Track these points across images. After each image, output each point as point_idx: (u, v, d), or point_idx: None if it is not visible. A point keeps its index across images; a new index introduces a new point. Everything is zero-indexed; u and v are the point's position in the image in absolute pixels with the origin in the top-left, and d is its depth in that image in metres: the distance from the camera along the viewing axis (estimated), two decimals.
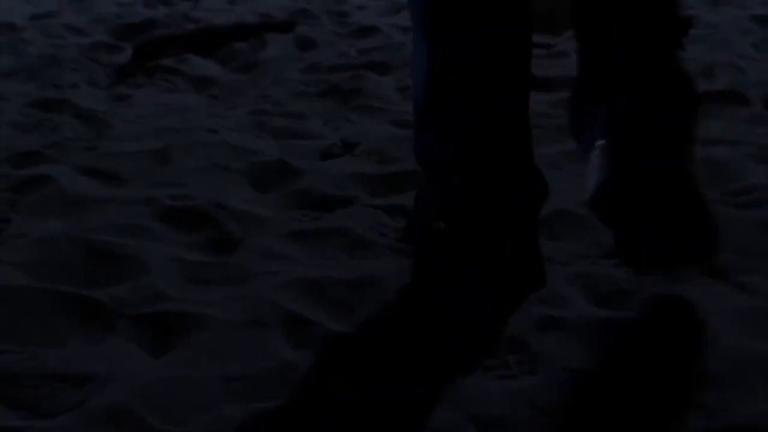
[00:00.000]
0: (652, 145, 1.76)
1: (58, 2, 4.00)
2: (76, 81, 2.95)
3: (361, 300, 1.67)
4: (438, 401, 1.38)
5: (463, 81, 1.83)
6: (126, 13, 3.74)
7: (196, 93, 2.85)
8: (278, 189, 2.15)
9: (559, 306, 1.66)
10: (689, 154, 1.80)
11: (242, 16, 3.66)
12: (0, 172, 2.25)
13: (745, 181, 2.15)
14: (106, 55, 3.18)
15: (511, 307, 1.67)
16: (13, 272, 1.76)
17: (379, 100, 2.73)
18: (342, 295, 1.69)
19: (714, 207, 1.75)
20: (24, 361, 1.47)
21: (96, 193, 2.12)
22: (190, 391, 1.39)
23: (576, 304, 1.68)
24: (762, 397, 1.38)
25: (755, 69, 2.99)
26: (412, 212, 1.94)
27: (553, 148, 2.35)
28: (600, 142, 1.75)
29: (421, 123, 1.90)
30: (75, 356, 1.49)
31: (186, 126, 2.52)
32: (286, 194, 2.12)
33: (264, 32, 3.32)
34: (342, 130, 2.52)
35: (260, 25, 3.39)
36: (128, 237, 1.92)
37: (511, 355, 1.53)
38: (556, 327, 1.59)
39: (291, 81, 2.88)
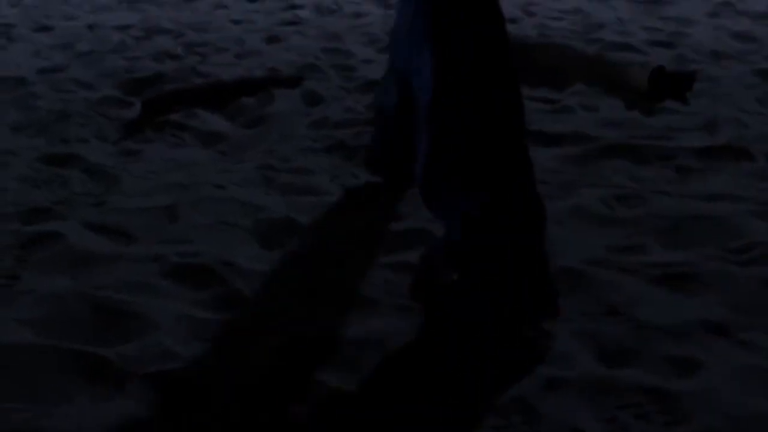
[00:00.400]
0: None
1: (67, 56, 4.04)
2: (84, 136, 2.97)
3: (367, 358, 1.68)
4: None
5: (464, 81, 1.87)
6: (134, 67, 3.77)
7: (204, 148, 2.88)
8: (285, 246, 2.16)
9: (564, 365, 1.68)
10: None
11: (250, 70, 3.69)
12: (9, 228, 2.27)
13: (747, 237, 2.16)
14: (114, 109, 3.21)
15: (518, 365, 1.69)
16: (22, 329, 1.78)
17: None
18: (349, 352, 1.71)
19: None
20: (32, 420, 1.48)
21: (104, 250, 2.14)
22: None
23: (581, 363, 1.69)
24: None
25: (759, 123, 3.00)
26: (420, 268, 1.96)
27: (558, 204, 2.37)
28: None
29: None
30: (83, 417, 1.50)
31: (194, 182, 2.54)
32: (292, 251, 2.13)
33: (271, 87, 3.35)
34: (348, 186, 2.54)
35: (268, 79, 3.41)
36: (136, 294, 1.94)
37: (517, 415, 1.54)
38: (561, 386, 1.60)
39: (298, 136, 2.90)
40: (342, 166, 2.65)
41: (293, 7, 4.97)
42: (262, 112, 3.12)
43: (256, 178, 2.58)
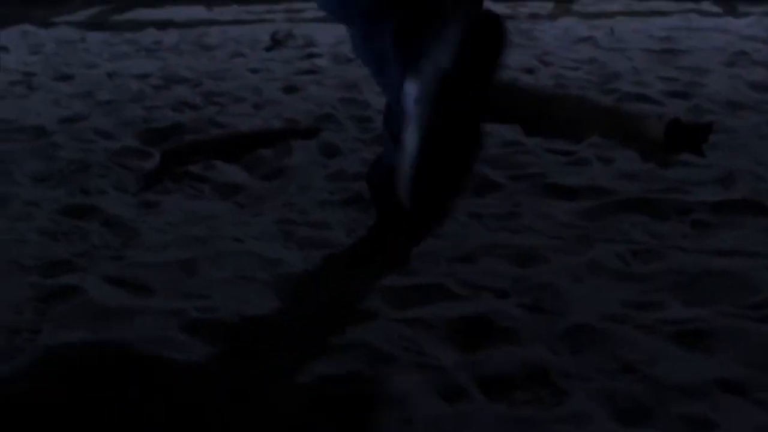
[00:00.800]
0: None
1: (87, 105, 4.08)
2: (104, 187, 3.00)
3: (383, 417, 1.69)
4: None
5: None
6: (153, 116, 3.81)
7: (222, 200, 2.90)
8: (302, 301, 2.18)
9: (580, 424, 1.68)
10: None
11: (267, 121, 3.72)
12: (30, 281, 2.30)
13: (764, 293, 2.17)
14: (133, 160, 3.24)
15: (533, 423, 1.69)
16: (42, 384, 1.79)
17: None
18: (364, 411, 1.72)
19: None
20: None
21: (123, 304, 2.16)
22: None
23: (596, 421, 1.70)
24: None
25: None
26: None
27: (575, 259, 2.38)
28: None
29: None
30: None
31: (212, 235, 2.56)
32: (310, 306, 2.15)
33: (289, 138, 3.38)
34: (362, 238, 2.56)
35: (285, 130, 3.45)
36: (155, 348, 1.95)
37: None
38: None
39: (315, 189, 2.92)
40: (358, 219, 2.67)
41: (311, 55, 5.01)
42: (280, 164, 3.15)
43: (274, 232, 2.60)
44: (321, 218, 2.70)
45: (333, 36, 5.67)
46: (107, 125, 3.67)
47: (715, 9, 7.22)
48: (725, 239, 2.53)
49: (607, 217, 2.69)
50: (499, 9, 7.19)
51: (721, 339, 1.97)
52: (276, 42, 5.49)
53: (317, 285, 2.26)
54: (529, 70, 4.65)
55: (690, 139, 3.26)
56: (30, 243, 2.56)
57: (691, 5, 7.44)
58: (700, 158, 3.20)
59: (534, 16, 6.94)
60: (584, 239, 2.52)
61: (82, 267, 2.38)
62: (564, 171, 3.08)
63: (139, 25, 6.49)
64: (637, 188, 2.89)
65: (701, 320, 2.05)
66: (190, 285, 2.26)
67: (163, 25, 6.52)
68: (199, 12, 7.17)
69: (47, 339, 2.01)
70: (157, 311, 2.12)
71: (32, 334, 2.04)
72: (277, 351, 1.95)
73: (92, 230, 2.65)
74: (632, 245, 2.47)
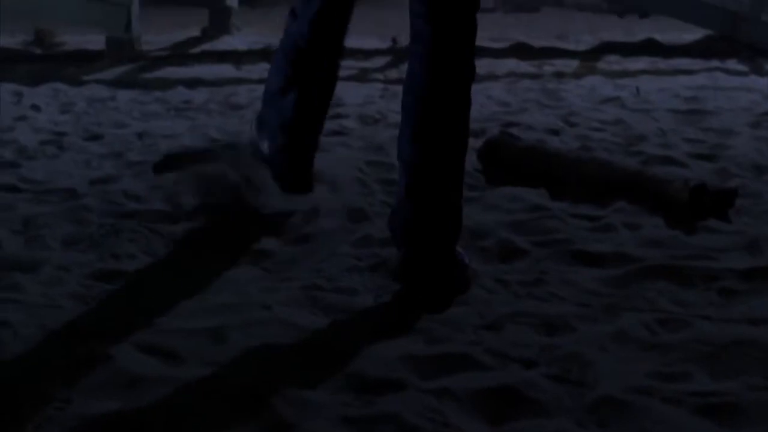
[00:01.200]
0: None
1: (117, 166, 4.12)
2: (134, 251, 3.03)
3: None
4: None
5: None
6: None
7: (251, 265, 2.92)
8: (330, 370, 2.20)
9: None
10: None
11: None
12: (60, 348, 2.33)
13: None
14: (163, 224, 3.26)
15: None
16: None
17: None
18: None
19: None
20: None
21: (153, 372, 2.18)
22: None
23: None
24: None
25: None
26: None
27: (601, 329, 2.39)
28: None
29: None
30: None
31: (241, 302, 2.59)
32: (337, 376, 2.16)
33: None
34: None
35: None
36: (184, 418, 1.97)
37: None
38: None
39: (343, 255, 2.95)
40: (386, 287, 2.69)
41: (338, 116, 5.04)
42: (308, 229, 3.17)
43: (302, 298, 2.62)
44: (348, 284, 2.72)
45: (360, 96, 5.71)
46: (137, 188, 3.70)
47: (741, 67, 7.24)
48: (753, 307, 2.54)
49: (633, 285, 2.70)
50: (525, 67, 7.26)
51: (750, 413, 1.98)
52: None
53: (344, 353, 2.28)
54: (555, 131, 4.68)
55: (715, 204, 3.27)
56: (61, 308, 2.59)
57: (716, 63, 7.47)
58: (726, 224, 3.21)
59: (559, 75, 6.97)
60: (610, 308, 2.54)
61: (112, 333, 2.40)
62: (590, 237, 3.09)
63: (169, 84, 6.55)
64: (662, 255, 2.91)
65: (729, 393, 2.05)
66: (220, 353, 2.28)
67: (193, 83, 6.57)
68: (227, 70, 7.23)
69: (78, 408, 2.04)
70: (186, 380, 2.14)
71: (63, 403, 2.07)
72: (306, 421, 1.97)
73: (122, 296, 2.68)
74: (658, 314, 2.48)
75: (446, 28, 2.65)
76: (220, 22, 9.70)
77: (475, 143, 4.24)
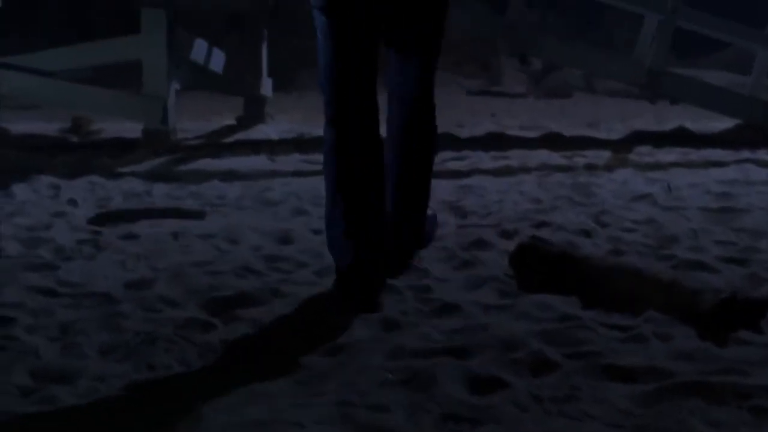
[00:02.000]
0: None
1: (152, 268, 4.17)
2: (169, 362, 3.06)
3: None
4: None
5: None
6: (217, 283, 3.87)
7: (284, 377, 2.95)
8: None
9: None
10: None
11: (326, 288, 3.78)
12: None
13: None
14: (197, 333, 3.30)
15: None
16: None
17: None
18: None
19: None
20: None
21: None
22: None
23: None
24: None
25: None
26: None
27: None
28: None
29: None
30: None
31: (272, 418, 2.61)
32: None
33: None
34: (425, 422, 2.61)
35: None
36: None
37: None
38: None
39: (375, 368, 2.96)
40: (418, 403, 2.71)
41: None
42: (342, 340, 3.20)
43: (334, 415, 2.64)
44: (380, 401, 2.73)
45: None
46: (172, 293, 3.75)
47: None
48: None
49: (665, 403, 2.70)
50: (557, 159, 7.31)
51: None
52: None
53: None
54: (587, 232, 4.70)
55: (746, 315, 3.28)
56: (96, 422, 2.62)
57: (747, 154, 7.52)
58: (758, 335, 3.22)
59: (591, 167, 7.03)
60: (642, 428, 2.54)
61: None
62: (621, 349, 3.10)
63: (204, 176, 6.64)
64: (694, 369, 2.91)
65: None
66: None
67: (227, 176, 6.67)
68: (261, 162, 7.34)
69: None
70: None
71: None
72: None
73: (157, 411, 2.71)
74: None
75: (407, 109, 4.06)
76: (254, 111, 9.86)
77: (507, 245, 4.29)
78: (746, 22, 9.37)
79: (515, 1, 8.76)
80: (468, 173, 6.78)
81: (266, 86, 9.93)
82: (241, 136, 8.91)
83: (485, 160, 7.44)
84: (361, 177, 3.65)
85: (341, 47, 3.65)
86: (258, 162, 7.34)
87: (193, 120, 9.45)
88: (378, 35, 3.78)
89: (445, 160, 7.23)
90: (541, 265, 3.81)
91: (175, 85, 8.04)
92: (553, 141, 8.27)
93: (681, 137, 8.51)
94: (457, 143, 7.87)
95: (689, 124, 9.10)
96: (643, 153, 7.74)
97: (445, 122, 8.09)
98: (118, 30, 9.18)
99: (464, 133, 8.61)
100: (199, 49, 8.75)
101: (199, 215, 5.29)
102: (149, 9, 7.84)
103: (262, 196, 5.90)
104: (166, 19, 7.80)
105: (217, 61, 9.15)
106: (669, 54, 9.00)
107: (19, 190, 6.10)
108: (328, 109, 3.71)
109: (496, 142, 8.18)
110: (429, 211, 4.30)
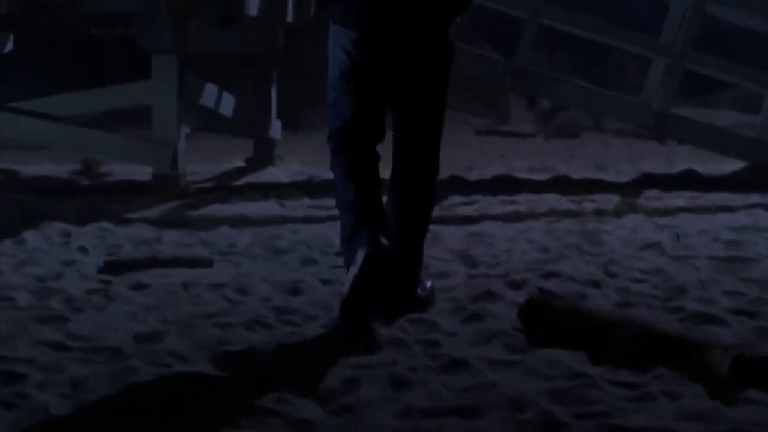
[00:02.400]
0: None
1: (162, 320, 4.18)
2: (181, 421, 3.07)
3: None
4: None
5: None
6: (227, 337, 3.89)
7: None
8: None
9: None
10: None
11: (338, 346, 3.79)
12: None
13: None
14: (209, 391, 3.31)
15: None
16: None
17: None
18: None
19: None
20: None
21: None
22: None
23: None
24: None
25: None
26: None
27: None
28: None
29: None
30: None
31: None
32: None
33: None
34: None
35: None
36: None
37: None
38: None
39: (385, 428, 2.97)
40: None
41: None
42: (351, 398, 3.20)
43: None
44: None
45: None
46: (182, 346, 3.76)
47: None
48: None
49: None
50: (566, 204, 7.32)
51: None
52: None
53: None
54: (596, 283, 4.71)
55: (756, 374, 3.28)
56: None
57: (757, 198, 7.53)
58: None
59: (599, 213, 7.04)
60: None
61: None
62: (629, 408, 3.11)
63: (214, 222, 6.65)
64: (702, 430, 2.91)
65: None
66: None
67: (237, 221, 6.68)
68: (271, 207, 7.35)
69: None
70: None
71: None
72: None
73: None
74: None
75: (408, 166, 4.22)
76: (264, 153, 9.86)
77: (516, 297, 4.30)
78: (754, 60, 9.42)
79: (523, 44, 8.76)
80: (478, 219, 6.78)
81: (275, 128, 9.95)
82: (250, 179, 8.92)
83: (494, 205, 7.45)
84: (366, 165, 4.14)
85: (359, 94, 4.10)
86: (267, 207, 7.36)
87: (203, 162, 9.47)
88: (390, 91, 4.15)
89: (454, 204, 7.24)
90: (549, 319, 3.82)
91: (185, 130, 8.07)
92: (561, 184, 8.27)
93: (690, 180, 8.51)
94: (466, 187, 7.87)
95: (698, 166, 9.10)
96: (652, 197, 7.75)
97: (455, 164, 8.20)
98: (129, 74, 9.21)
99: (473, 175, 8.62)
100: (209, 93, 8.78)
101: (208, 264, 5.33)
102: (160, 55, 7.88)
103: (272, 243, 5.91)
104: (177, 65, 7.84)
105: (227, 105, 9.18)
106: (678, 93, 9.04)
107: (30, 237, 6.11)
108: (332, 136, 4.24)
109: (505, 185, 8.19)
110: (428, 282, 4.40)
